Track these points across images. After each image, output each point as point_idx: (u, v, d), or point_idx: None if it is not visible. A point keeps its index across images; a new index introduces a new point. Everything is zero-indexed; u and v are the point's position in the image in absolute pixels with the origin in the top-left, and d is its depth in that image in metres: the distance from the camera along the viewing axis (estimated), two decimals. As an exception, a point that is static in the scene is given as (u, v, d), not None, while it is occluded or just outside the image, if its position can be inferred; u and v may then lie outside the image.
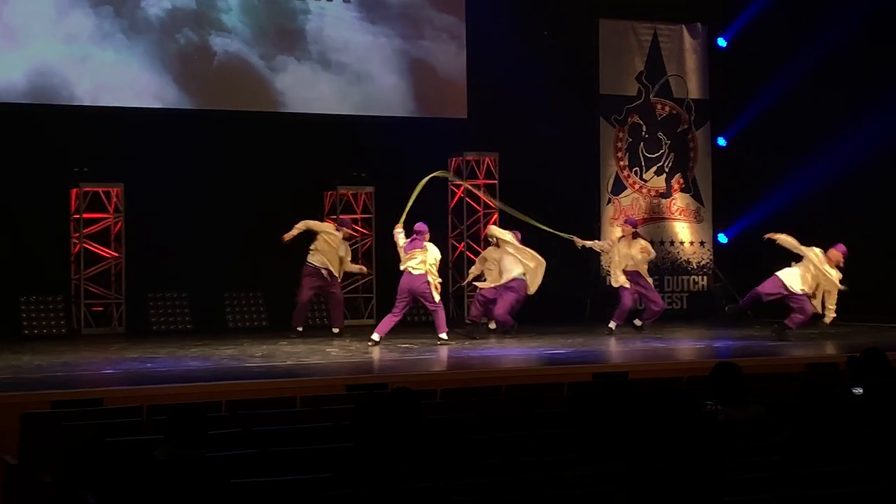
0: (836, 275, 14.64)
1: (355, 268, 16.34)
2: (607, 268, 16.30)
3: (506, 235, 15.70)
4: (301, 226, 15.51)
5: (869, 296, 17.16)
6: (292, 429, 7.65)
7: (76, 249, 16.81)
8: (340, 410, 8.17)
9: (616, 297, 16.07)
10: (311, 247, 15.68)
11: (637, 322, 16.12)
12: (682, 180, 19.61)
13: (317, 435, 7.27)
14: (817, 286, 14.77)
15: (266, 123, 17.52)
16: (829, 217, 18.85)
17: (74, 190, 16.81)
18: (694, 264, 19.60)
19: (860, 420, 6.17)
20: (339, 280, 15.98)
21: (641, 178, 19.41)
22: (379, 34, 18.00)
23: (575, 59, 19.14)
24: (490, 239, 16.19)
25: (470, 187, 17.68)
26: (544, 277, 15.55)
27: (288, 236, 15.36)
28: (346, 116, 17.84)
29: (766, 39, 19.00)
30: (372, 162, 18.05)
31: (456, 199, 18.55)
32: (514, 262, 15.44)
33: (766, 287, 14.92)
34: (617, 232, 17.68)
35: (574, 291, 18.34)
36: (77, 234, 16.78)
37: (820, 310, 14.74)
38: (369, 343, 14.22)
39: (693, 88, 19.71)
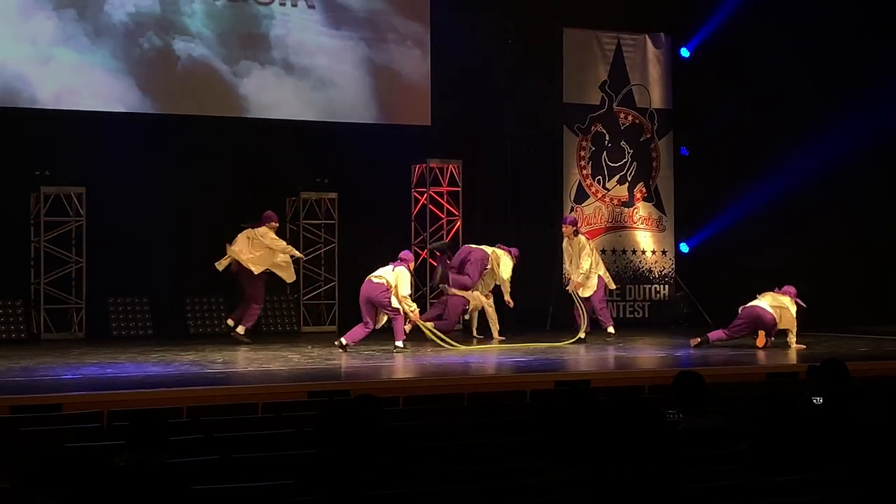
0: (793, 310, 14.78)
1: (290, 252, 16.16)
2: (568, 277, 16.20)
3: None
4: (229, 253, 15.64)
5: (829, 306, 17.30)
6: (254, 435, 7.63)
7: (36, 253, 16.69)
8: (302, 417, 8.16)
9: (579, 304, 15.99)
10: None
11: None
12: (644, 189, 19.68)
13: (279, 441, 7.25)
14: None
15: (229, 128, 17.47)
16: (789, 227, 19.02)
17: (35, 193, 16.69)
18: (656, 273, 19.68)
19: (820, 429, 6.21)
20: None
21: (604, 187, 19.47)
22: (343, 40, 17.97)
23: (539, 68, 19.18)
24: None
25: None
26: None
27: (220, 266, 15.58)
28: (310, 122, 17.81)
29: (729, 50, 19.13)
30: (335, 168, 18.03)
31: (419, 205, 18.55)
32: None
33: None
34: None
35: (537, 300, 18.35)
36: (37, 238, 16.65)
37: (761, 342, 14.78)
38: (336, 343, 14.30)
39: (656, 98, 19.79)
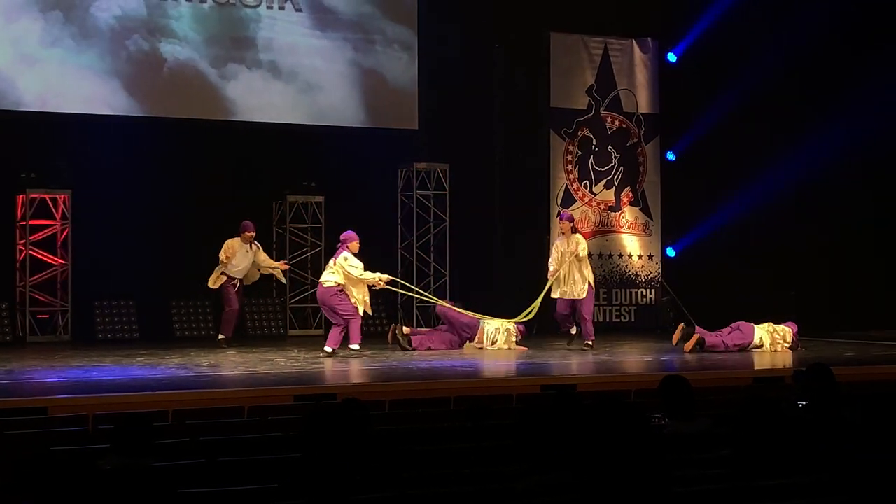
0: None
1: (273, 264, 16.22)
2: (554, 275, 15.83)
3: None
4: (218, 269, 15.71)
5: (815, 311, 17.35)
6: (240, 439, 7.62)
7: (22, 256, 16.64)
8: (288, 421, 8.15)
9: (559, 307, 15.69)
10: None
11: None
12: (631, 194, 19.71)
13: (264, 445, 7.24)
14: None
15: (216, 131, 17.44)
16: (775, 232, 19.06)
17: (21, 196, 16.64)
18: (642, 277, 19.70)
19: (804, 434, 6.22)
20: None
21: (591, 192, 19.49)
22: (330, 43, 17.97)
23: (526, 72, 19.22)
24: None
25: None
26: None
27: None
28: (297, 125, 17.79)
29: (716, 55, 19.17)
30: (322, 171, 18.01)
31: (406, 209, 18.54)
32: None
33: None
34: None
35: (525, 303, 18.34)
36: (23, 241, 16.61)
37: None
38: (322, 355, 14.22)
39: (643, 103, 19.83)
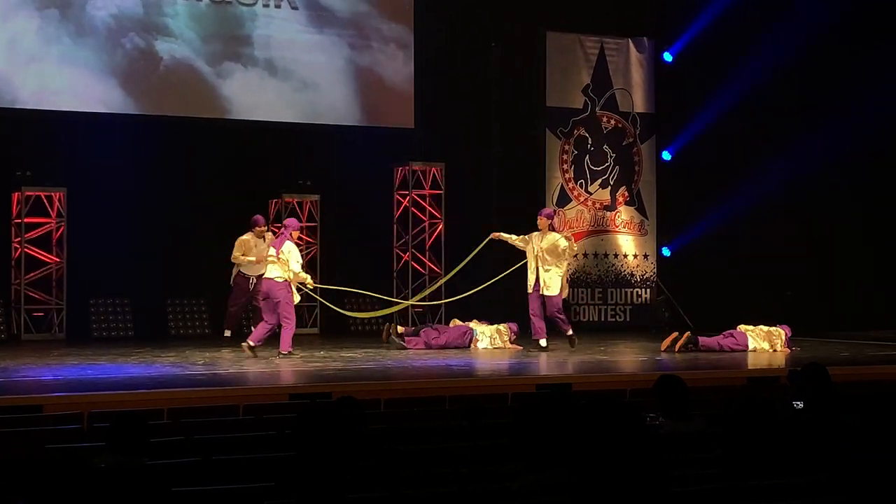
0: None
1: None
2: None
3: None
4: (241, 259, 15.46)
5: (811, 311, 17.36)
6: (235, 437, 7.61)
7: (17, 254, 16.63)
8: (283, 419, 8.13)
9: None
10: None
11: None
12: (626, 193, 19.72)
13: (259, 443, 7.23)
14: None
15: (212, 130, 17.44)
16: (770, 232, 19.07)
17: (16, 194, 16.63)
18: (637, 277, 19.71)
19: (799, 433, 6.22)
20: None
21: (586, 191, 19.50)
22: (327, 42, 17.96)
23: (522, 71, 19.22)
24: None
25: None
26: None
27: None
28: (292, 124, 17.79)
29: (712, 55, 19.18)
30: (317, 170, 18.01)
31: (402, 208, 18.54)
32: None
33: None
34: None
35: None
36: (18, 239, 16.60)
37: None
38: (244, 349, 13.80)
39: (639, 102, 19.83)
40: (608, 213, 19.64)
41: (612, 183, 19.66)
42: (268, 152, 17.66)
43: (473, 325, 15.81)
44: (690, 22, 19.53)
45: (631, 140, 19.79)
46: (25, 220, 16.55)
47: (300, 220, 15.15)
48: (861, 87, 18.24)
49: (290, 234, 13.93)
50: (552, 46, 19.37)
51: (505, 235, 15.10)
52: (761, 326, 15.07)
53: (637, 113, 19.82)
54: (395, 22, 18.39)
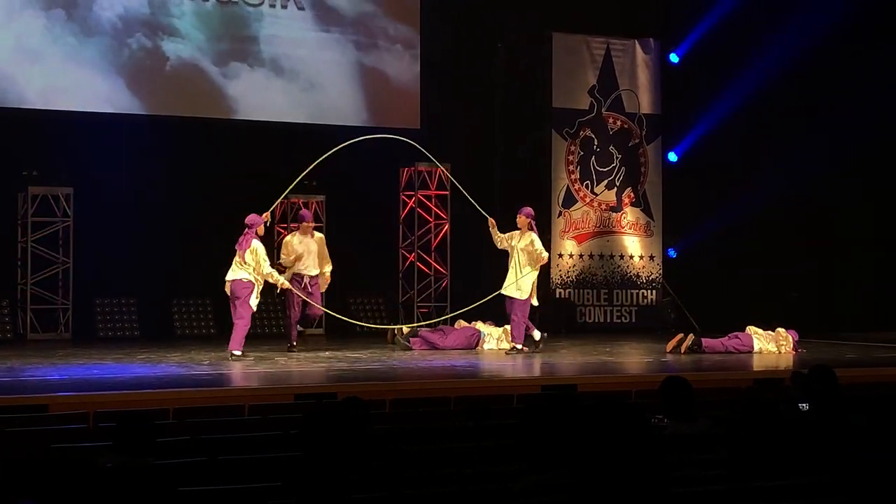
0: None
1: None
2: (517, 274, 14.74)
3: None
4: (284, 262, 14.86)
5: (818, 313, 17.35)
6: (240, 437, 7.61)
7: (23, 253, 16.64)
8: (289, 419, 8.14)
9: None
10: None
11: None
12: (632, 194, 19.72)
13: (265, 443, 7.24)
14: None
15: (217, 130, 17.45)
16: (776, 233, 19.05)
17: (23, 193, 16.65)
18: (643, 278, 19.70)
19: (803, 435, 6.22)
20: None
21: (592, 192, 19.50)
22: (333, 43, 17.98)
23: (528, 72, 19.21)
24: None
25: None
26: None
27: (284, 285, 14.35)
28: (298, 124, 17.79)
29: (718, 56, 19.18)
30: (323, 170, 17.97)
31: (407, 209, 18.53)
32: None
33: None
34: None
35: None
36: (24, 238, 16.61)
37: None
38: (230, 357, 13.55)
39: (645, 103, 19.83)
40: (614, 214, 19.64)
41: (617, 184, 19.65)
42: (273, 152, 17.64)
43: (480, 326, 15.83)
44: (696, 23, 19.52)
45: (637, 141, 19.79)
46: (32, 219, 16.56)
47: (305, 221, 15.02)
48: (866, 88, 18.24)
49: (255, 233, 13.71)
50: (558, 47, 19.37)
51: (494, 230, 14.91)
52: (769, 331, 15.05)
53: (643, 114, 19.82)
54: (401, 22, 18.40)
